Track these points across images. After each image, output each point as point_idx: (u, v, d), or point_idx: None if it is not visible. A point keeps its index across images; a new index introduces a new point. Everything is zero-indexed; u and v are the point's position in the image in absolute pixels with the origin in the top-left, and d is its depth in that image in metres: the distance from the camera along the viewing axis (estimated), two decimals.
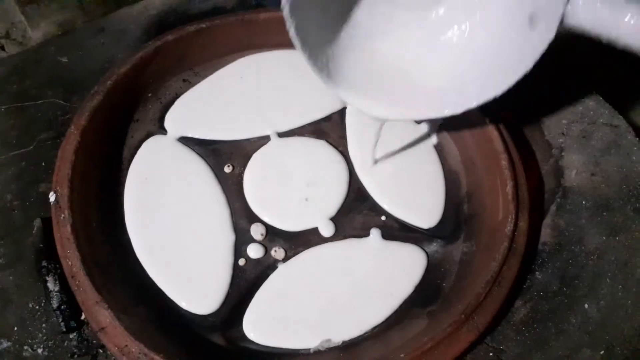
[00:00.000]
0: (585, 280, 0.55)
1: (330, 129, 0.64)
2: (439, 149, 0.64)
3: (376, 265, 0.56)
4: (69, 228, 0.50)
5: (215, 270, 0.54)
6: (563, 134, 0.64)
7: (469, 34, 0.52)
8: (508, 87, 0.47)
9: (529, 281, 0.55)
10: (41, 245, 0.53)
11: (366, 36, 0.53)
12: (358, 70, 0.52)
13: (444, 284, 0.56)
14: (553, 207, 0.60)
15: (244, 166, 0.61)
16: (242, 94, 0.65)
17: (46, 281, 0.51)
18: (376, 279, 0.55)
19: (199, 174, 0.59)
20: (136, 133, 0.62)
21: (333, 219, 0.58)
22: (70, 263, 0.50)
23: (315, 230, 0.58)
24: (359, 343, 0.52)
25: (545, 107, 0.66)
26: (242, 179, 0.60)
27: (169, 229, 0.56)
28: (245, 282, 0.54)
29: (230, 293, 0.53)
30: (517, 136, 0.62)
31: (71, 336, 0.50)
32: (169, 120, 0.62)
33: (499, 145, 0.57)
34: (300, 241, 0.57)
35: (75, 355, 0.50)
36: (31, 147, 0.60)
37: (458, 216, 0.60)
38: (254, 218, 0.58)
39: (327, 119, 0.65)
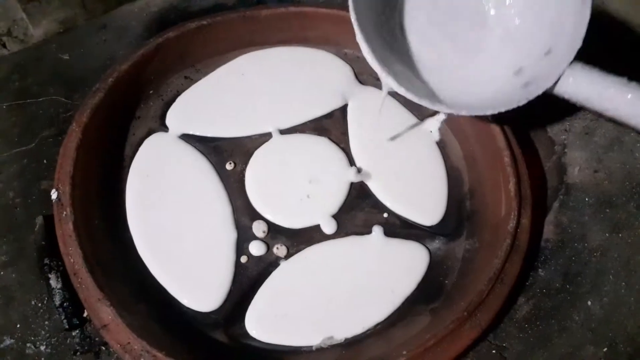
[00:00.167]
0: (588, 278, 0.55)
1: (331, 126, 0.64)
2: (441, 145, 0.64)
3: (378, 263, 0.56)
4: (71, 225, 0.50)
5: (217, 267, 0.54)
6: (566, 130, 0.64)
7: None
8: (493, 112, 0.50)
9: (531, 278, 0.55)
10: (43, 242, 0.53)
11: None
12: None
13: (446, 281, 0.56)
14: (556, 204, 0.60)
15: (246, 163, 0.61)
16: (243, 91, 0.65)
17: (48, 278, 0.51)
18: (378, 277, 0.55)
19: (200, 172, 0.59)
20: (138, 130, 0.61)
21: (335, 216, 0.58)
22: (72, 260, 0.50)
23: (317, 228, 0.58)
24: (362, 340, 0.52)
25: (548, 103, 0.66)
26: (243, 176, 0.60)
27: (170, 226, 0.56)
28: (248, 280, 0.54)
29: (233, 290, 0.53)
30: (519, 133, 0.62)
31: (74, 333, 0.50)
32: (171, 118, 0.62)
33: (501, 141, 0.57)
34: (302, 238, 0.57)
35: (78, 353, 0.50)
36: (33, 144, 0.60)
37: (460, 213, 0.60)
38: (255, 215, 0.58)
39: (329, 116, 0.65)
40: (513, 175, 0.55)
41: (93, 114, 0.56)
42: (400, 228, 0.59)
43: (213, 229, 0.56)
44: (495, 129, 0.58)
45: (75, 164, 0.53)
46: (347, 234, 0.58)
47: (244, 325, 0.52)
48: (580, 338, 0.52)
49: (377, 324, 0.53)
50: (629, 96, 0.46)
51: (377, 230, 0.58)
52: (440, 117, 0.64)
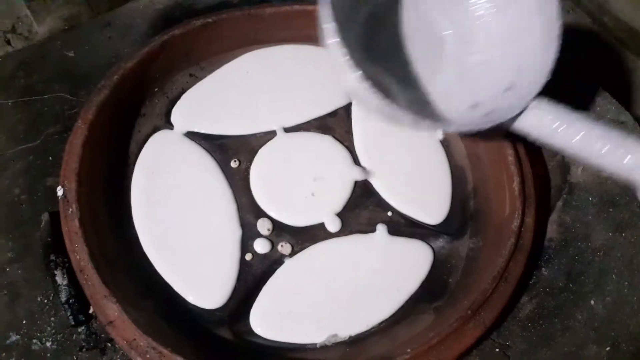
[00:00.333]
0: (591, 277, 0.55)
1: (336, 125, 0.64)
2: (445, 144, 0.64)
3: (382, 261, 0.56)
4: (76, 222, 0.50)
5: (222, 264, 0.54)
6: None
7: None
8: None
9: (535, 277, 0.56)
10: (49, 239, 0.53)
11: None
12: None
13: (450, 280, 0.56)
14: (559, 203, 0.60)
15: (251, 161, 0.61)
16: (248, 89, 0.65)
17: (54, 275, 0.51)
18: (382, 275, 0.55)
19: (205, 169, 0.59)
20: (143, 127, 0.62)
21: (339, 214, 0.58)
22: (78, 257, 0.50)
23: (321, 226, 0.58)
24: (366, 338, 0.52)
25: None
26: (248, 174, 0.60)
27: (175, 223, 0.56)
28: (252, 277, 0.55)
29: (237, 288, 0.54)
30: None
31: (79, 330, 0.51)
32: (176, 115, 0.62)
33: (505, 140, 0.57)
34: (307, 236, 0.57)
35: (84, 349, 0.50)
36: (38, 141, 0.60)
37: (464, 212, 0.60)
38: (260, 213, 0.58)
39: (333, 114, 0.65)
40: (517, 175, 0.55)
41: (99, 111, 0.56)
42: (405, 226, 0.59)
43: (218, 226, 0.56)
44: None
45: (81, 160, 0.53)
46: (351, 232, 0.58)
47: (249, 323, 0.52)
48: (583, 337, 0.52)
49: (381, 322, 0.53)
50: (597, 131, 0.42)
51: (381, 228, 0.58)
52: None
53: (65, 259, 0.51)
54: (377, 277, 0.55)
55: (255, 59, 0.67)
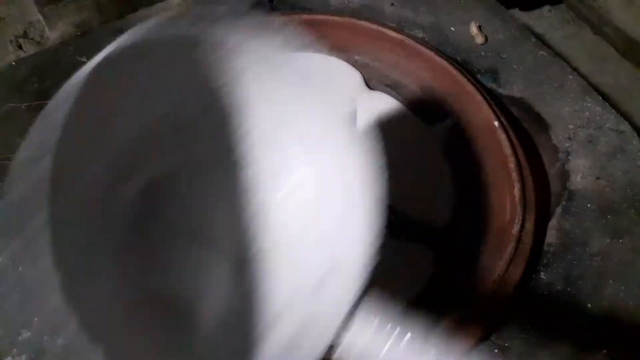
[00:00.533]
0: (589, 281, 0.57)
1: None
2: (448, 151, 0.65)
3: (384, 264, 0.57)
4: None
5: None
6: (569, 138, 0.66)
7: None
8: None
9: (534, 281, 0.57)
10: None
11: None
12: None
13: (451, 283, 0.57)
14: (559, 210, 0.61)
15: None
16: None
17: None
18: (383, 278, 0.56)
19: None
20: None
21: None
22: None
23: None
24: None
25: (552, 112, 0.68)
26: None
27: None
28: None
29: None
30: (524, 140, 0.63)
31: None
32: None
33: (507, 148, 0.58)
34: None
35: None
36: None
37: (466, 216, 0.61)
38: None
39: None
40: (518, 181, 0.57)
41: None
42: (406, 230, 0.60)
43: None
44: (502, 135, 0.59)
45: None
46: None
47: None
48: (580, 340, 0.54)
49: None
50: None
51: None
52: (448, 124, 0.65)
53: None
54: (379, 279, 0.56)
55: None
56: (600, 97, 0.69)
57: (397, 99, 0.68)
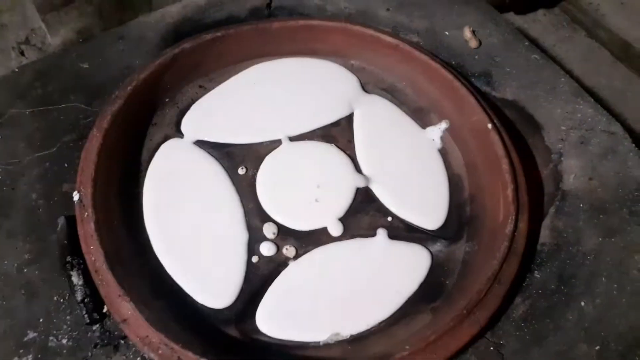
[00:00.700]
0: (582, 279, 0.58)
1: (338, 134, 0.67)
2: (443, 153, 0.67)
3: (382, 264, 0.59)
4: (92, 225, 0.53)
5: (230, 266, 0.57)
6: (562, 139, 0.67)
7: None
8: None
9: (528, 279, 0.58)
10: (65, 241, 0.55)
11: None
12: None
13: (447, 282, 0.58)
14: (552, 210, 0.62)
15: (257, 168, 0.63)
16: (254, 100, 0.68)
17: (70, 276, 0.53)
18: (382, 277, 0.58)
19: (214, 176, 0.62)
20: (154, 136, 0.65)
21: (342, 219, 0.61)
22: (93, 258, 0.52)
23: (324, 230, 0.60)
24: (366, 337, 0.54)
25: (545, 114, 0.69)
26: (254, 180, 0.63)
27: (185, 227, 0.58)
28: (258, 278, 0.57)
29: (244, 288, 0.56)
30: (518, 141, 0.65)
31: (94, 328, 0.53)
32: (186, 124, 0.65)
33: (500, 149, 0.60)
34: (311, 240, 0.60)
35: (98, 346, 0.52)
36: (54, 148, 0.63)
37: (461, 217, 0.63)
38: (266, 218, 0.60)
39: (336, 124, 0.68)
40: (511, 182, 0.58)
41: (113, 120, 0.59)
42: (404, 231, 0.61)
43: (226, 230, 0.59)
44: (495, 137, 0.60)
45: (96, 167, 0.56)
46: (352, 237, 0.60)
47: (255, 322, 0.55)
48: (573, 336, 0.55)
49: (381, 322, 0.55)
50: None
51: (381, 233, 0.60)
52: (442, 126, 0.67)
53: (81, 261, 0.54)
54: (378, 279, 0.57)
55: (261, 71, 0.70)
56: (592, 99, 0.70)
57: (393, 102, 0.70)
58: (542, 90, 0.71)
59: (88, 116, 0.65)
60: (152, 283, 0.55)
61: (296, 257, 0.59)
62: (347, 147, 0.66)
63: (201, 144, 0.64)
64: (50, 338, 0.52)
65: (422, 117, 0.69)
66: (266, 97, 0.68)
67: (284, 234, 0.60)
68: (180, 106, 0.67)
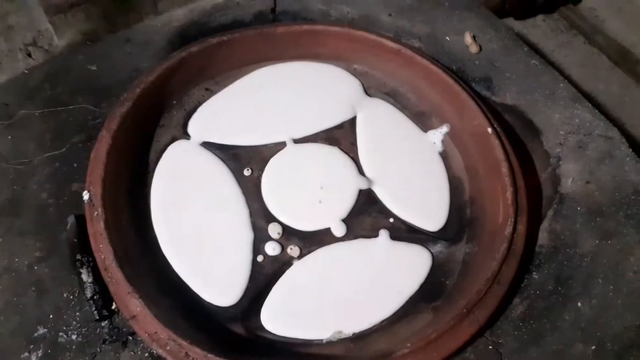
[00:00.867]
0: (578, 281, 0.59)
1: (342, 136, 0.69)
2: (443, 156, 0.68)
3: (384, 264, 0.60)
4: (102, 224, 0.54)
5: (235, 265, 0.58)
6: (560, 144, 0.68)
7: None
8: None
9: (526, 280, 0.59)
10: (75, 240, 0.56)
11: None
12: None
13: (447, 282, 0.60)
14: (550, 213, 0.64)
15: (262, 170, 0.65)
16: (260, 103, 0.69)
17: (80, 273, 0.54)
18: (384, 277, 0.59)
19: (220, 177, 0.63)
20: (162, 137, 0.66)
21: (345, 220, 0.62)
22: (103, 256, 0.54)
23: (328, 231, 0.62)
24: (369, 335, 0.56)
25: (544, 119, 0.70)
26: (260, 181, 0.64)
27: (192, 227, 0.60)
28: (263, 277, 0.58)
29: (249, 287, 0.57)
30: (517, 145, 0.66)
31: (103, 324, 0.54)
32: (192, 126, 0.67)
33: (500, 153, 0.61)
34: (314, 240, 0.61)
35: (107, 342, 0.53)
36: (64, 149, 0.64)
37: (461, 219, 0.64)
38: (271, 218, 0.62)
39: (340, 127, 0.69)
40: (511, 185, 0.59)
41: (122, 121, 0.60)
42: (405, 232, 0.63)
43: (231, 230, 0.60)
44: (495, 141, 0.62)
45: (105, 167, 0.57)
46: (355, 237, 0.62)
47: (260, 319, 0.56)
48: (570, 336, 0.56)
49: (383, 320, 0.57)
50: None
51: (383, 234, 0.62)
52: (443, 130, 0.68)
53: (90, 259, 0.55)
54: (380, 278, 0.59)
55: (266, 75, 0.71)
56: (590, 104, 0.72)
57: (395, 106, 0.71)
58: (541, 95, 0.72)
59: (96, 117, 0.66)
60: (160, 281, 0.56)
61: (300, 256, 0.60)
62: (350, 149, 0.67)
63: (208, 145, 0.66)
64: (60, 334, 0.54)
65: (423, 120, 0.70)
66: (271, 100, 0.69)
67: (289, 234, 0.61)
68: (187, 108, 0.68)
